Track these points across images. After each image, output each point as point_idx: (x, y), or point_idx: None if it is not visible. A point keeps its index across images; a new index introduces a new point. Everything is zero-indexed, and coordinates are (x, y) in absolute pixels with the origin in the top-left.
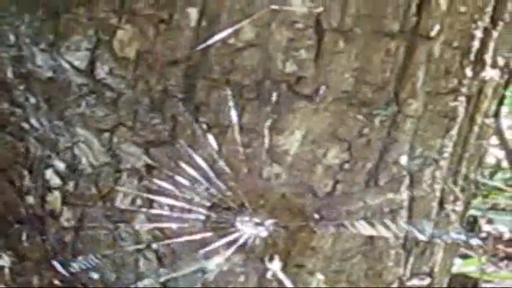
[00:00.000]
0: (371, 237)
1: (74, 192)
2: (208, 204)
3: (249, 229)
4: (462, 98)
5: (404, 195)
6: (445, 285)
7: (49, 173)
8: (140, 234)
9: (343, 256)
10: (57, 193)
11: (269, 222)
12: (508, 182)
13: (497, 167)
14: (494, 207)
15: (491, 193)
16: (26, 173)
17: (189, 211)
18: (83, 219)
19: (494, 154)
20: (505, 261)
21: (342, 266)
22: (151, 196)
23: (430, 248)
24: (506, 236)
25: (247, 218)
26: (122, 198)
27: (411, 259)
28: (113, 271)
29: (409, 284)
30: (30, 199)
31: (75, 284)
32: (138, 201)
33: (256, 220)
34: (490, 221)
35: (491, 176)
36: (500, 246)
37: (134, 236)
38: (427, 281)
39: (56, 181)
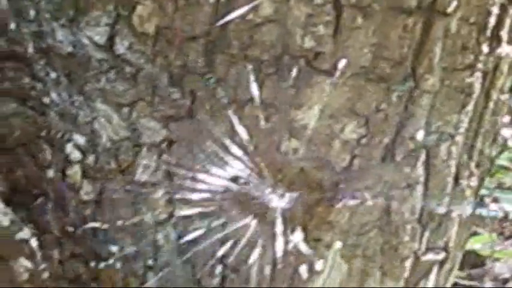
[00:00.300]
0: (387, 212)
1: (93, 166)
2: (229, 177)
3: (271, 201)
4: (478, 74)
5: (420, 170)
6: (459, 260)
7: (69, 147)
8: (159, 208)
9: (359, 230)
10: (77, 167)
11: (290, 194)
12: None
13: (504, 146)
14: (500, 186)
15: (498, 172)
16: (46, 147)
17: (210, 184)
18: (103, 192)
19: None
20: (511, 240)
21: (358, 240)
22: (171, 169)
23: (445, 223)
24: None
25: (269, 190)
26: (142, 172)
27: (426, 234)
28: (132, 244)
29: (424, 258)
30: (50, 173)
31: (94, 256)
32: (158, 175)
33: (278, 192)
34: (495, 200)
35: (498, 154)
36: (506, 225)
37: (153, 210)
38: (442, 255)
39: (76, 155)
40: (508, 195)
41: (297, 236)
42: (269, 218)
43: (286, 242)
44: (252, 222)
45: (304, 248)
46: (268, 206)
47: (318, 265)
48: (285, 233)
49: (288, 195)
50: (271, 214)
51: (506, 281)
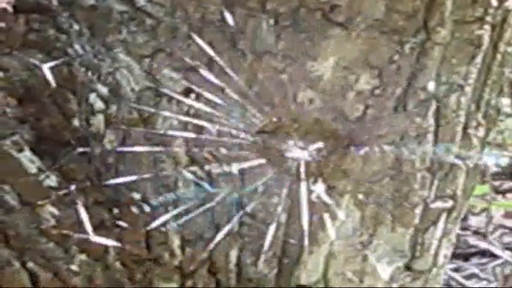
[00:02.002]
0: (398, 161)
1: (116, 116)
2: (248, 128)
3: (294, 153)
4: (487, 27)
5: (431, 120)
6: (465, 209)
7: (93, 97)
8: (179, 158)
9: (371, 178)
10: (100, 116)
11: (313, 146)
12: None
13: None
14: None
15: None
16: (71, 97)
17: (229, 134)
18: (125, 141)
19: None
20: (492, 194)
21: (370, 189)
22: (190, 120)
23: (453, 172)
24: (493, 169)
25: (291, 143)
26: (162, 122)
27: (436, 182)
28: (154, 192)
29: (433, 206)
30: (75, 122)
31: (117, 204)
32: (177, 126)
33: (301, 144)
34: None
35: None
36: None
37: (173, 159)
38: (449, 203)
39: (99, 105)
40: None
41: (319, 187)
42: (290, 169)
43: (309, 192)
44: (271, 172)
45: (326, 197)
46: (290, 157)
47: (332, 213)
48: (307, 183)
49: (312, 146)
50: (292, 165)
51: (506, 277)
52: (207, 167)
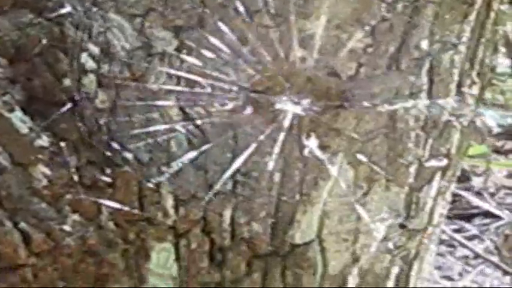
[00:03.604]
0: (392, 119)
1: (108, 75)
2: (243, 84)
3: (287, 107)
4: None
5: (424, 78)
6: (460, 168)
7: (84, 57)
8: (171, 116)
9: (365, 137)
10: (92, 76)
11: (306, 101)
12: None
13: None
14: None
15: None
16: (62, 56)
17: (220, 89)
18: (117, 101)
19: None
20: (494, 155)
21: (364, 147)
22: (182, 74)
23: (448, 130)
24: (495, 130)
25: (285, 98)
26: (154, 80)
27: (430, 141)
28: (146, 152)
29: (427, 164)
30: (67, 82)
31: (110, 163)
32: (170, 83)
33: (294, 99)
34: (478, 115)
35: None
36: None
37: (166, 118)
38: (444, 162)
39: (91, 64)
40: (490, 111)
41: (312, 142)
42: (282, 123)
43: (302, 147)
44: (265, 128)
45: (319, 153)
46: (282, 112)
47: (326, 172)
48: (299, 138)
49: (305, 101)
50: (285, 119)
51: (507, 236)
52: (199, 122)
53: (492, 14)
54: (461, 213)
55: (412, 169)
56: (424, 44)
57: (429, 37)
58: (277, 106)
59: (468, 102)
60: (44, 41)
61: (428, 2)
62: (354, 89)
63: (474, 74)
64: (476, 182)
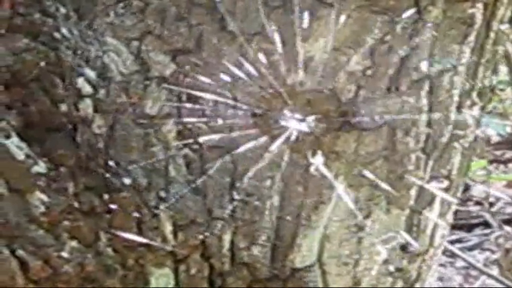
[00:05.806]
0: (392, 142)
1: (105, 100)
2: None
3: (292, 124)
4: (479, 5)
5: (424, 100)
6: (461, 189)
7: (81, 81)
8: (169, 141)
9: (365, 160)
10: (88, 101)
11: (311, 118)
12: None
13: None
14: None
15: None
16: (59, 81)
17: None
18: (114, 126)
19: None
20: (494, 164)
21: (364, 170)
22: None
23: (448, 152)
24: (494, 139)
25: (289, 114)
26: (152, 105)
27: (430, 162)
28: (144, 176)
29: (428, 186)
30: (63, 107)
31: (108, 189)
32: (168, 107)
33: (298, 116)
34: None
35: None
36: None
37: (164, 143)
38: (445, 183)
39: (87, 89)
40: (490, 119)
41: (318, 159)
42: (291, 142)
43: (307, 165)
44: (268, 146)
45: (324, 170)
46: (290, 130)
47: (327, 194)
48: (305, 156)
49: (309, 118)
50: (289, 136)
51: (507, 251)
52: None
53: (492, 34)
54: (462, 223)
55: (413, 191)
56: (424, 66)
57: (428, 58)
58: (280, 123)
59: (469, 124)
60: (40, 66)
61: (427, 23)
62: (353, 111)
63: (474, 94)
64: (476, 191)
